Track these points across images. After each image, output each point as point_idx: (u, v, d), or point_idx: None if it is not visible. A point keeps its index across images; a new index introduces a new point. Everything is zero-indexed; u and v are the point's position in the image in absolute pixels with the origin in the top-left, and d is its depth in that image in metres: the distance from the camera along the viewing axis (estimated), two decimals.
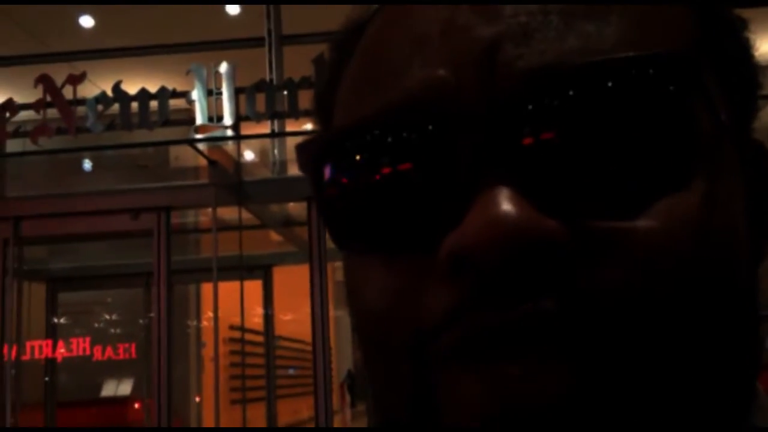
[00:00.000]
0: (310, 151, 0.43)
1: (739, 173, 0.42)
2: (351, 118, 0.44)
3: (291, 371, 9.75)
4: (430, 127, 0.39)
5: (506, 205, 0.35)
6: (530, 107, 0.37)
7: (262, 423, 7.92)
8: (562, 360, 0.35)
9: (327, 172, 0.42)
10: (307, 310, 6.30)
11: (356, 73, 0.46)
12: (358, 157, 0.41)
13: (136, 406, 8.21)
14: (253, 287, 7.84)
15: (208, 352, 8.59)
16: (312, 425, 6.83)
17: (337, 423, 6.02)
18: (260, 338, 8.37)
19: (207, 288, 8.67)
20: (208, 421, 8.25)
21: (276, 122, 6.55)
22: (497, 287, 0.35)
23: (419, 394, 0.39)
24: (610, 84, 0.37)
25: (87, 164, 7.55)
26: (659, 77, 0.37)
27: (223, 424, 6.76)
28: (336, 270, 7.95)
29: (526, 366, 0.35)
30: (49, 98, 6.09)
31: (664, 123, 0.37)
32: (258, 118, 6.19)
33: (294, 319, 9.15)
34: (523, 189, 0.36)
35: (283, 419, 8.46)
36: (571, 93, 0.37)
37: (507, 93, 0.38)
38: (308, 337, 6.34)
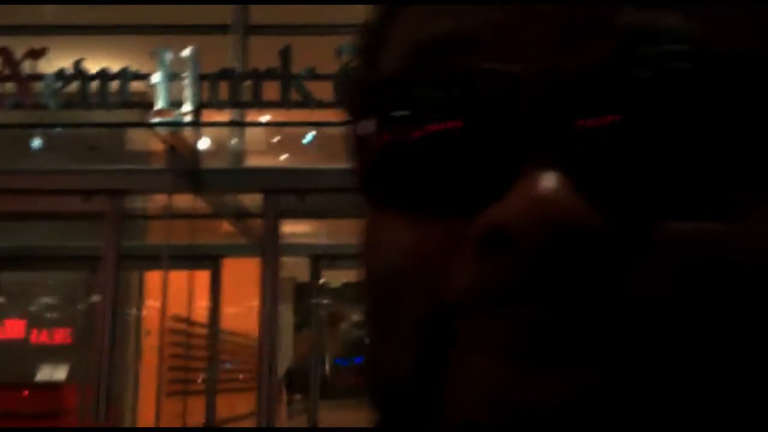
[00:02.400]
0: (358, 90, 0.41)
1: None
2: (409, 52, 0.41)
3: (228, 366, 9.66)
4: (485, 85, 0.36)
5: (554, 190, 0.32)
6: (608, 83, 0.34)
7: (200, 416, 7.83)
8: (587, 368, 0.33)
9: (368, 122, 0.40)
10: (253, 304, 6.25)
11: (417, 9, 0.42)
12: (401, 110, 0.38)
13: (71, 391, 8.02)
14: (201, 277, 7.75)
15: (149, 341, 8.46)
16: (250, 421, 6.77)
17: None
18: (203, 330, 8.28)
19: (150, 276, 8.55)
20: (146, 411, 8.13)
21: (237, 112, 6.49)
22: (530, 277, 0.33)
23: (424, 367, 0.36)
24: (701, 75, 0.34)
25: (36, 142, 7.38)
26: (751, 77, 0.34)
27: (162, 414, 6.68)
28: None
29: (550, 369, 0.33)
30: (6, 71, 5.94)
31: (750, 126, 0.34)
32: (220, 106, 6.13)
33: (239, 312, 9.07)
34: (579, 172, 0.33)
35: (222, 414, 8.37)
36: (655, 75, 0.34)
37: (583, 58, 0.35)
38: (252, 332, 6.29)
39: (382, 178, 0.40)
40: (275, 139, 7.96)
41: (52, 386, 8.25)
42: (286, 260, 7.24)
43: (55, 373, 8.44)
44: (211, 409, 7.85)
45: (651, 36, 0.35)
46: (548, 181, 0.33)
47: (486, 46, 0.37)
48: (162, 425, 6.92)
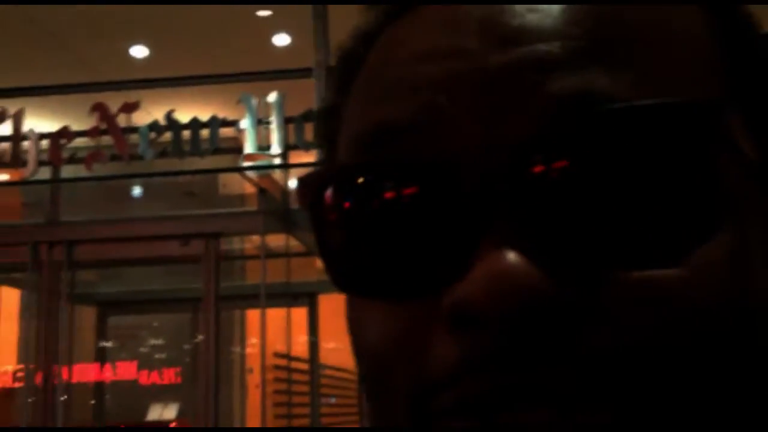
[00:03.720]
0: (308, 185, 0.42)
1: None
2: (352, 142, 0.42)
3: (332, 399, 9.72)
4: (429, 166, 0.37)
5: (509, 266, 0.34)
6: (548, 141, 0.36)
7: None
8: (561, 426, 0.34)
9: (325, 210, 0.41)
10: None
11: (361, 92, 0.43)
12: (355, 196, 0.40)
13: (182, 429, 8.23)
14: (298, 314, 7.88)
15: (253, 378, 8.62)
16: None
17: None
18: (304, 366, 8.39)
19: (250, 315, 8.73)
20: None
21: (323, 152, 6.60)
22: (498, 349, 0.34)
23: None
24: (636, 128, 0.35)
25: (137, 191, 7.68)
26: (683, 126, 0.35)
27: None
28: None
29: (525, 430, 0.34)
30: (103, 125, 6.22)
31: (687, 172, 0.35)
32: (306, 147, 6.25)
33: (338, 347, 9.15)
34: (532, 240, 0.35)
35: None
36: (595, 132, 0.35)
37: (520, 126, 0.36)
38: (352, 366, 6.34)
39: (347, 268, 0.41)
40: None
41: (163, 425, 8.49)
42: None
43: (165, 412, 8.67)
44: None
45: (584, 98, 0.36)
46: (503, 257, 0.34)
47: (423, 130, 0.38)
48: None
